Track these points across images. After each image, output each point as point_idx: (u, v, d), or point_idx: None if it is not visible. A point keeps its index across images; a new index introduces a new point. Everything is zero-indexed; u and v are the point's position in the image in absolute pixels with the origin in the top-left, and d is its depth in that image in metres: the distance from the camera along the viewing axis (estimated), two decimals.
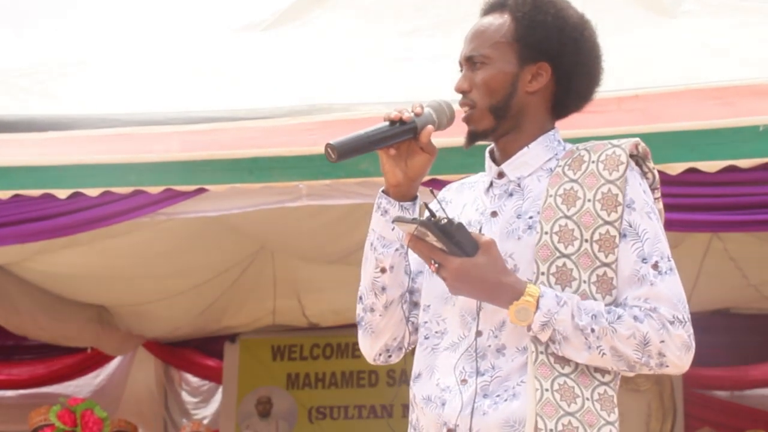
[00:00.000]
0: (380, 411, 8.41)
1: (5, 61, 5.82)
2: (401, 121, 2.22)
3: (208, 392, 9.27)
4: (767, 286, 7.44)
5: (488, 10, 2.36)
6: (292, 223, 6.18)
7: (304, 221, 6.14)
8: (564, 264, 2.17)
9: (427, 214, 2.11)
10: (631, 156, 2.26)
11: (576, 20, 2.32)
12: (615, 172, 2.20)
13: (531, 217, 2.22)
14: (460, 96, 2.33)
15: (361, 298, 2.36)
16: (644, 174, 2.28)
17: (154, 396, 9.12)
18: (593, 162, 2.23)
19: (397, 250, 2.29)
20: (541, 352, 2.14)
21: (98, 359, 8.73)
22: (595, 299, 2.16)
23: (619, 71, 4.68)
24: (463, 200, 2.38)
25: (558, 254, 2.17)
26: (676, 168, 3.81)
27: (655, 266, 2.18)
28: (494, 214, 2.28)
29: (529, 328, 2.13)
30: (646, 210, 2.22)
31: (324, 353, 8.63)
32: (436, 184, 3.94)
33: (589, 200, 2.19)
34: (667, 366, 2.16)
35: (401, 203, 2.27)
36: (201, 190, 4.32)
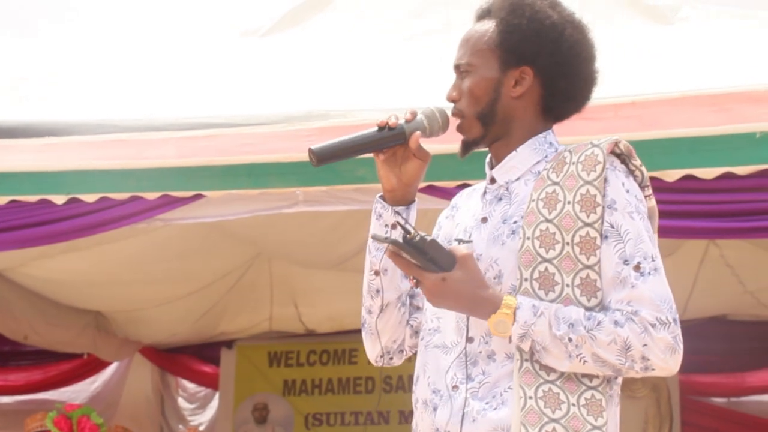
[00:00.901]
0: (377, 418, 8.40)
1: (3, 66, 5.82)
2: (389, 127, 2.24)
3: (205, 398, 9.27)
4: (764, 293, 7.44)
5: (478, 18, 2.37)
6: (289, 229, 6.18)
7: (301, 227, 6.14)
8: (546, 269, 2.16)
9: (400, 231, 2.14)
10: (615, 155, 2.24)
11: (555, 20, 2.30)
12: (593, 172, 2.17)
13: (515, 222, 2.22)
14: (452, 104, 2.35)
15: (363, 299, 2.39)
16: (631, 172, 2.25)
17: (151, 402, 9.11)
18: (573, 163, 2.20)
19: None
20: (526, 360, 2.13)
21: (95, 365, 8.72)
22: (579, 302, 2.14)
23: (616, 78, 4.69)
24: (469, 206, 2.39)
25: (540, 259, 2.16)
26: (672, 175, 3.82)
27: (637, 267, 2.15)
28: (484, 219, 2.28)
29: (510, 339, 2.13)
30: (628, 210, 2.18)
31: (320, 360, 8.62)
32: (433, 191, 3.94)
33: (569, 202, 2.17)
34: (653, 369, 2.14)
35: (394, 208, 2.29)
36: (198, 196, 4.32)
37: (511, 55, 2.28)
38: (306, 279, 7.65)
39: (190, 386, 9.44)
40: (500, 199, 2.29)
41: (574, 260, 2.15)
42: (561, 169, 2.21)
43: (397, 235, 2.20)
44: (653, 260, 2.17)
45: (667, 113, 3.99)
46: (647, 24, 5.70)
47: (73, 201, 4.37)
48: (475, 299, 2.13)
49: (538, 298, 2.15)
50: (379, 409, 8.41)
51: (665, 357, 2.13)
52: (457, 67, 2.32)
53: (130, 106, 5.09)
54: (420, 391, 2.29)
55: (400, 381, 8.21)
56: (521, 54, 2.28)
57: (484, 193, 2.34)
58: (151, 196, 4.32)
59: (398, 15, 5.93)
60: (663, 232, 4.13)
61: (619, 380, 2.23)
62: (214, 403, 9.04)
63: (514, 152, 2.29)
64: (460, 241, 2.24)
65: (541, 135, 2.32)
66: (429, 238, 2.12)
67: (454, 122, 2.34)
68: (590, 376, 2.14)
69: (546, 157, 2.29)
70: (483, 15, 2.36)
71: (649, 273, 2.15)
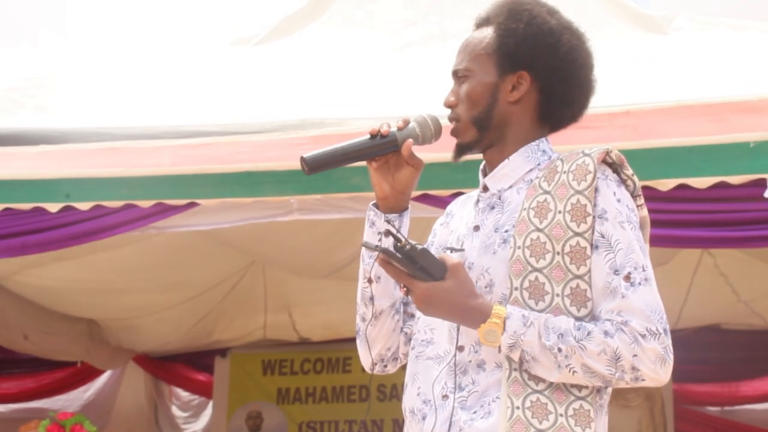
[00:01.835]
0: (371, 426, 8.40)
1: None
2: (381, 135, 2.24)
3: (199, 407, 9.25)
4: (758, 302, 7.45)
5: (478, 26, 2.39)
6: (283, 237, 6.18)
7: (296, 236, 6.14)
8: (536, 278, 2.15)
9: (391, 239, 2.14)
10: (607, 164, 2.24)
11: (553, 26, 2.31)
12: (583, 182, 2.17)
13: (506, 231, 2.22)
14: (449, 110, 2.35)
15: (358, 307, 2.40)
16: (623, 181, 2.25)
17: (144, 410, 9.09)
18: (564, 172, 2.20)
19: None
20: (515, 369, 2.13)
21: (88, 373, 8.70)
22: (569, 312, 2.14)
23: (611, 87, 4.69)
24: (463, 213, 2.40)
25: (530, 268, 2.16)
26: (666, 184, 3.82)
27: (627, 277, 2.14)
28: (477, 228, 2.28)
29: (499, 349, 2.13)
30: (619, 220, 2.18)
31: (314, 368, 8.61)
32: (428, 200, 3.94)
33: (559, 212, 2.17)
34: (643, 380, 2.13)
35: (387, 216, 2.29)
36: (192, 204, 4.32)
37: (509, 60, 2.29)
38: (300, 287, 7.64)
39: (184, 394, 9.42)
40: (492, 208, 2.29)
41: (564, 270, 2.15)
42: (552, 178, 2.21)
43: (389, 243, 2.18)
44: (644, 270, 2.17)
45: (662, 122, 3.99)
46: (642, 34, 5.71)
47: (67, 209, 4.36)
48: (465, 308, 2.13)
49: (528, 307, 2.15)
50: (372, 417, 8.40)
51: (655, 367, 2.12)
52: (455, 73, 2.34)
53: (125, 114, 5.08)
54: (409, 401, 2.29)
55: (394, 389, 8.20)
56: (519, 58, 2.28)
57: (477, 201, 2.34)
58: (145, 204, 4.32)
59: (393, 23, 5.94)
60: (657, 241, 4.14)
61: (609, 390, 2.23)
62: (208, 412, 9.02)
63: (506, 160, 2.30)
64: (451, 249, 2.25)
65: (534, 143, 2.31)
66: (420, 247, 2.12)
67: (447, 129, 2.34)
68: (579, 387, 2.14)
69: (539, 165, 2.29)
70: (482, 23, 2.37)
71: (640, 283, 2.15)
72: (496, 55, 2.29)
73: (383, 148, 2.25)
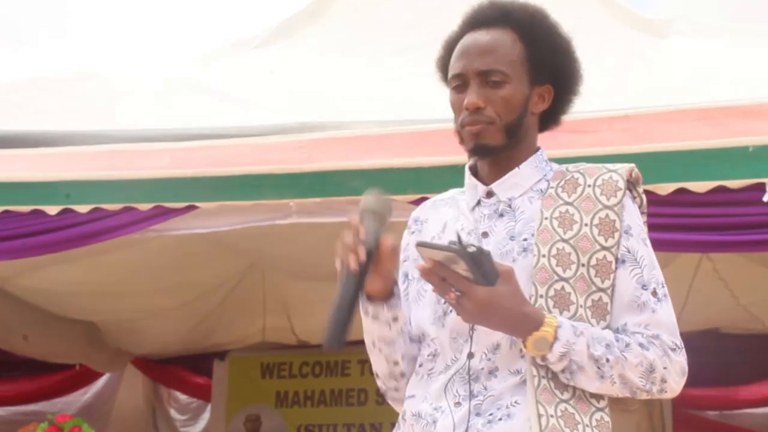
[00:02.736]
0: (369, 430, 8.39)
1: None
2: (359, 265, 2.13)
3: (197, 410, 9.25)
4: (757, 306, 7.45)
5: (488, 24, 2.32)
6: (282, 240, 6.17)
7: (294, 239, 6.13)
8: (562, 287, 2.15)
9: (455, 240, 2.04)
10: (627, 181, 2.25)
11: (568, 38, 2.33)
12: (613, 197, 2.20)
13: (525, 239, 2.20)
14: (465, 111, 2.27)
15: (378, 375, 2.39)
16: (633, 198, 2.29)
17: (143, 413, 9.09)
18: (589, 186, 2.23)
19: (397, 341, 2.29)
20: (543, 377, 2.12)
21: (87, 376, 8.70)
22: (590, 324, 2.14)
23: (610, 91, 4.70)
24: (441, 218, 2.36)
25: (556, 277, 2.15)
26: (666, 188, 3.82)
27: (654, 293, 2.19)
28: (485, 234, 2.25)
29: (543, 358, 2.10)
30: (642, 236, 2.23)
31: (313, 371, 8.61)
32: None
33: (586, 225, 2.18)
34: (666, 392, 2.17)
35: (387, 303, 2.24)
36: (191, 207, 4.32)
37: (540, 71, 2.28)
38: (299, 290, 7.63)
39: (182, 397, 9.42)
40: (501, 215, 2.26)
41: (588, 282, 2.16)
42: (574, 190, 2.23)
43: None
44: (663, 287, 2.23)
45: (661, 126, 3.99)
46: (641, 37, 5.72)
47: (66, 211, 4.36)
48: (520, 315, 2.08)
49: None
50: (371, 421, 8.40)
51: (679, 380, 2.18)
52: (484, 74, 2.25)
53: (124, 117, 5.09)
54: (415, 406, 2.25)
55: None
56: (548, 71, 2.29)
57: (477, 205, 2.30)
58: (144, 206, 4.32)
59: (393, 27, 5.94)
60: (656, 245, 4.13)
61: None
62: (206, 415, 9.02)
63: (516, 169, 2.28)
64: (465, 246, 2.16)
65: (539, 153, 2.32)
66: (486, 250, 2.06)
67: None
68: (598, 397, 2.15)
69: (545, 175, 2.30)
70: (493, 23, 2.31)
71: (663, 299, 2.21)
72: (529, 64, 2.27)
73: (367, 272, 2.14)
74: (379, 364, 2.34)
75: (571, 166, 2.30)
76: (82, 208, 4.34)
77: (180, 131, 4.61)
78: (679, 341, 2.18)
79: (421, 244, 2.05)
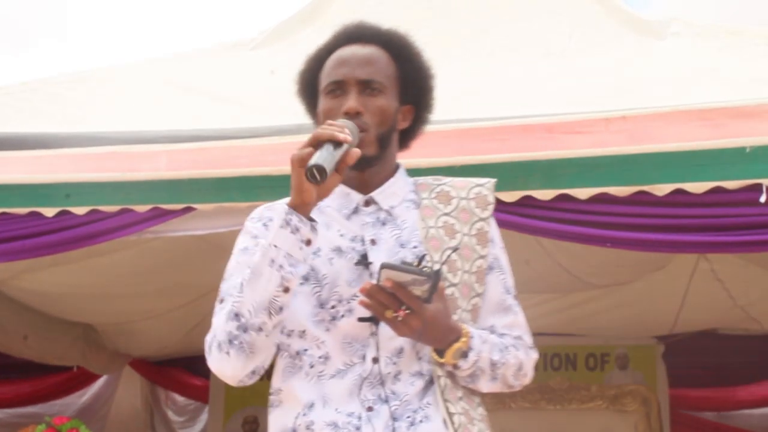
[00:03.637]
0: None
1: None
2: (338, 143, 2.17)
3: (195, 411, 9.25)
4: (754, 307, 7.45)
5: (362, 40, 2.43)
6: None
7: None
8: (452, 293, 2.28)
9: (409, 262, 2.12)
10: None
11: (431, 67, 2.47)
12: (486, 210, 2.38)
13: (415, 247, 2.29)
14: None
15: (237, 315, 2.21)
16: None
17: (140, 415, 9.09)
18: (463, 199, 2.38)
19: (300, 268, 2.21)
20: (446, 377, 2.24)
21: (84, 378, 8.69)
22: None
23: (607, 92, 4.70)
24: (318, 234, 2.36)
25: (448, 283, 2.27)
26: (663, 189, 3.82)
27: (515, 297, 2.41)
28: (373, 241, 2.31)
29: (455, 366, 2.22)
30: (502, 246, 2.43)
31: None
32: None
33: (465, 234, 2.34)
34: (522, 385, 2.39)
35: (311, 223, 2.21)
36: (188, 209, 4.32)
37: (407, 92, 2.40)
38: None
39: (180, 399, 9.42)
40: (384, 223, 2.34)
41: (470, 287, 2.32)
42: (449, 202, 2.37)
43: (381, 260, 2.21)
44: (515, 292, 2.44)
45: (658, 127, 3.99)
46: (638, 38, 5.72)
47: (63, 213, 4.36)
48: (448, 329, 2.20)
49: None
50: None
51: (532, 375, 2.41)
52: (365, 83, 2.33)
53: (121, 119, 5.09)
54: (327, 416, 2.23)
55: None
56: (412, 93, 2.41)
57: (355, 213, 2.35)
58: (141, 208, 4.32)
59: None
60: (653, 246, 4.15)
61: None
62: (204, 417, 9.01)
63: (393, 179, 2.39)
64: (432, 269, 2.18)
65: (402, 167, 2.44)
66: (440, 270, 2.14)
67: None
68: (476, 393, 2.33)
69: (411, 187, 2.41)
70: (368, 40, 2.43)
71: (518, 303, 2.43)
72: (399, 83, 2.39)
73: (341, 157, 2.17)
74: (262, 288, 2.19)
75: (429, 179, 2.44)
76: (80, 210, 4.34)
77: (177, 133, 4.60)
78: (532, 340, 2.41)
79: (388, 266, 2.07)
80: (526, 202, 3.93)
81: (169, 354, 8.70)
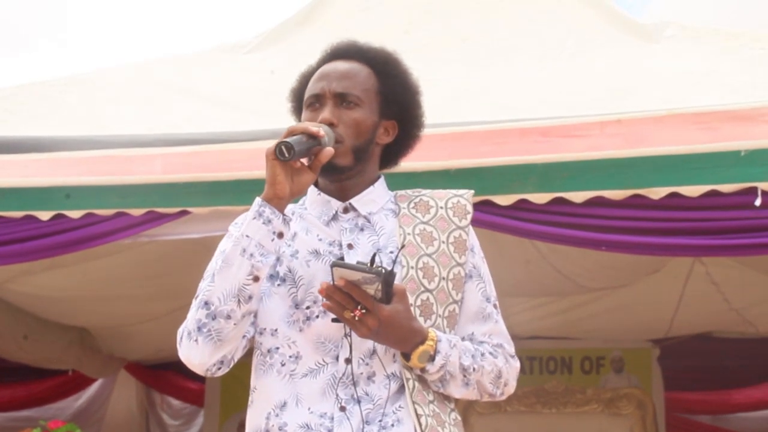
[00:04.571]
0: None
1: None
2: (314, 137, 2.22)
3: (190, 415, 9.25)
4: (749, 311, 7.46)
5: (345, 56, 2.47)
6: None
7: None
8: (427, 298, 2.32)
9: (364, 262, 2.14)
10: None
11: (417, 83, 2.50)
12: (464, 219, 2.43)
13: (392, 252, 2.34)
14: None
15: (207, 303, 2.25)
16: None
17: (136, 419, 9.09)
18: (441, 208, 2.43)
19: (270, 258, 2.25)
20: (415, 380, 2.27)
21: (79, 382, 8.69)
22: (446, 333, 2.32)
23: (602, 96, 4.70)
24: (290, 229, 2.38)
25: (423, 288, 2.32)
26: (658, 192, 3.83)
27: (495, 306, 2.44)
28: (350, 246, 2.35)
29: (423, 369, 2.24)
30: (481, 255, 2.47)
31: None
32: None
33: (443, 242, 2.38)
34: (504, 394, 2.41)
35: (283, 216, 2.25)
36: (184, 213, 4.31)
37: (389, 107, 2.43)
38: None
39: (176, 403, 9.42)
40: (362, 229, 2.39)
41: (446, 294, 2.35)
42: (427, 211, 2.42)
43: (331, 257, 2.29)
44: (497, 301, 2.47)
45: (653, 131, 4.00)
46: (633, 42, 5.73)
47: (58, 217, 4.36)
48: (410, 331, 2.22)
49: None
50: None
51: (515, 383, 2.43)
52: (340, 95, 2.37)
53: (116, 122, 5.08)
54: (300, 418, 2.26)
55: None
56: (395, 108, 2.44)
57: (334, 219, 2.39)
58: (137, 212, 4.31)
59: (385, 32, 5.95)
60: (649, 249, 4.15)
61: None
62: (199, 420, 9.02)
63: (371, 187, 2.43)
64: (383, 268, 2.20)
65: (382, 179, 2.48)
66: (393, 271, 2.17)
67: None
68: (450, 399, 2.35)
69: (390, 198, 2.46)
70: (351, 56, 2.47)
71: (499, 312, 2.45)
72: (380, 98, 2.43)
73: (310, 151, 2.23)
74: (232, 276, 2.23)
75: (410, 192, 2.49)
76: (75, 214, 4.33)
77: (172, 136, 4.60)
78: (513, 349, 2.43)
79: (338, 265, 2.13)
80: (522, 205, 3.93)
81: (164, 357, 8.70)
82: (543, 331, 8.34)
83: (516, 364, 2.42)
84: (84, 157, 4.56)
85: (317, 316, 2.29)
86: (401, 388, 2.27)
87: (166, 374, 9.11)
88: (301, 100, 2.49)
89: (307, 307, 2.30)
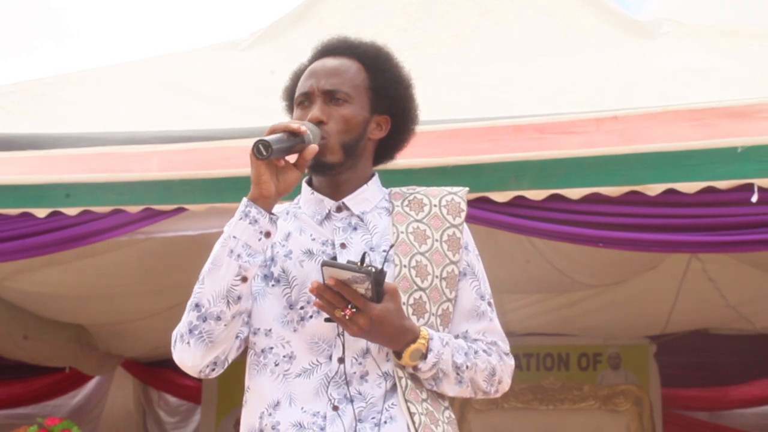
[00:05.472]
0: None
1: None
2: (296, 135, 2.22)
3: (187, 412, 9.25)
4: (746, 307, 7.47)
5: (335, 53, 2.47)
6: None
7: None
8: (420, 297, 2.32)
9: (354, 261, 2.14)
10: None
11: (407, 75, 2.50)
12: (458, 217, 2.42)
13: (385, 251, 2.34)
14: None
15: (198, 305, 2.25)
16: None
17: (133, 416, 9.09)
18: (435, 206, 2.43)
19: (258, 258, 2.24)
20: (408, 378, 2.27)
21: (76, 379, 8.69)
22: (439, 331, 2.32)
23: (598, 92, 4.70)
24: (284, 229, 2.40)
25: (415, 287, 2.32)
26: (654, 189, 3.83)
27: (489, 304, 2.44)
28: (343, 245, 2.35)
29: (415, 368, 2.25)
30: (476, 253, 2.46)
31: None
32: None
33: (437, 240, 2.38)
34: (499, 392, 2.41)
35: (270, 215, 2.24)
36: (180, 210, 4.32)
37: (381, 102, 2.42)
38: None
39: (173, 400, 9.42)
40: (355, 228, 2.38)
41: (440, 292, 2.35)
42: (421, 209, 2.42)
43: (343, 258, 2.26)
44: (491, 298, 2.46)
45: (649, 128, 4.00)
46: (630, 39, 5.73)
47: (55, 214, 4.36)
48: (402, 330, 2.21)
49: None
50: None
51: (509, 380, 2.43)
52: (329, 93, 2.37)
53: (113, 120, 5.08)
54: (292, 416, 2.26)
55: None
56: (387, 103, 2.43)
57: (327, 218, 2.39)
58: (133, 209, 4.32)
59: (381, 30, 5.95)
60: (645, 246, 4.15)
61: None
62: (197, 417, 9.02)
63: (365, 186, 2.43)
64: (372, 267, 2.19)
65: (376, 177, 2.47)
66: (384, 270, 2.16)
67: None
68: (444, 397, 2.35)
69: (385, 196, 2.46)
70: (341, 52, 2.46)
71: (494, 310, 2.46)
72: (370, 94, 2.42)
73: (294, 149, 2.23)
74: (221, 277, 2.24)
75: (404, 189, 2.48)
76: (71, 211, 4.34)
77: (169, 134, 4.60)
78: (508, 347, 2.43)
79: (328, 264, 2.12)
80: (518, 202, 3.93)
81: (161, 355, 8.70)
82: (540, 328, 8.36)
83: (510, 361, 2.42)
84: (81, 154, 4.56)
85: (311, 317, 2.29)
86: (394, 387, 2.27)
87: (163, 371, 9.11)
88: (290, 97, 2.50)
89: (301, 308, 2.30)
